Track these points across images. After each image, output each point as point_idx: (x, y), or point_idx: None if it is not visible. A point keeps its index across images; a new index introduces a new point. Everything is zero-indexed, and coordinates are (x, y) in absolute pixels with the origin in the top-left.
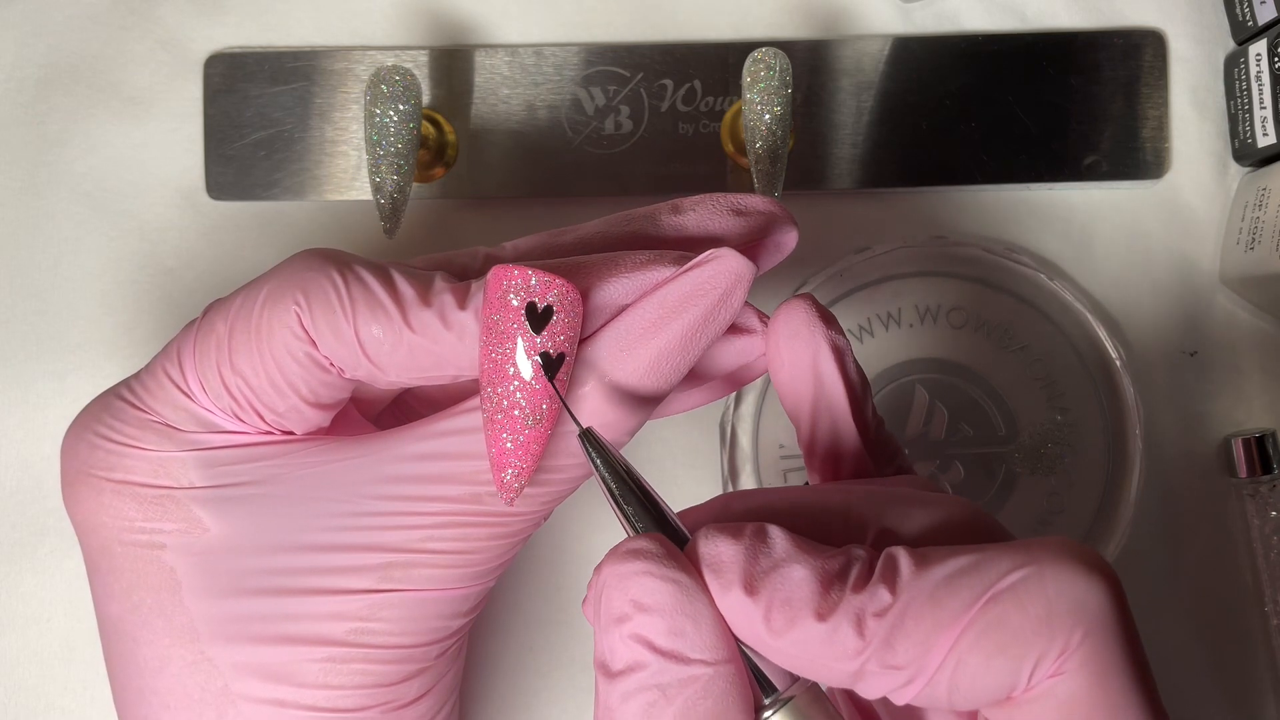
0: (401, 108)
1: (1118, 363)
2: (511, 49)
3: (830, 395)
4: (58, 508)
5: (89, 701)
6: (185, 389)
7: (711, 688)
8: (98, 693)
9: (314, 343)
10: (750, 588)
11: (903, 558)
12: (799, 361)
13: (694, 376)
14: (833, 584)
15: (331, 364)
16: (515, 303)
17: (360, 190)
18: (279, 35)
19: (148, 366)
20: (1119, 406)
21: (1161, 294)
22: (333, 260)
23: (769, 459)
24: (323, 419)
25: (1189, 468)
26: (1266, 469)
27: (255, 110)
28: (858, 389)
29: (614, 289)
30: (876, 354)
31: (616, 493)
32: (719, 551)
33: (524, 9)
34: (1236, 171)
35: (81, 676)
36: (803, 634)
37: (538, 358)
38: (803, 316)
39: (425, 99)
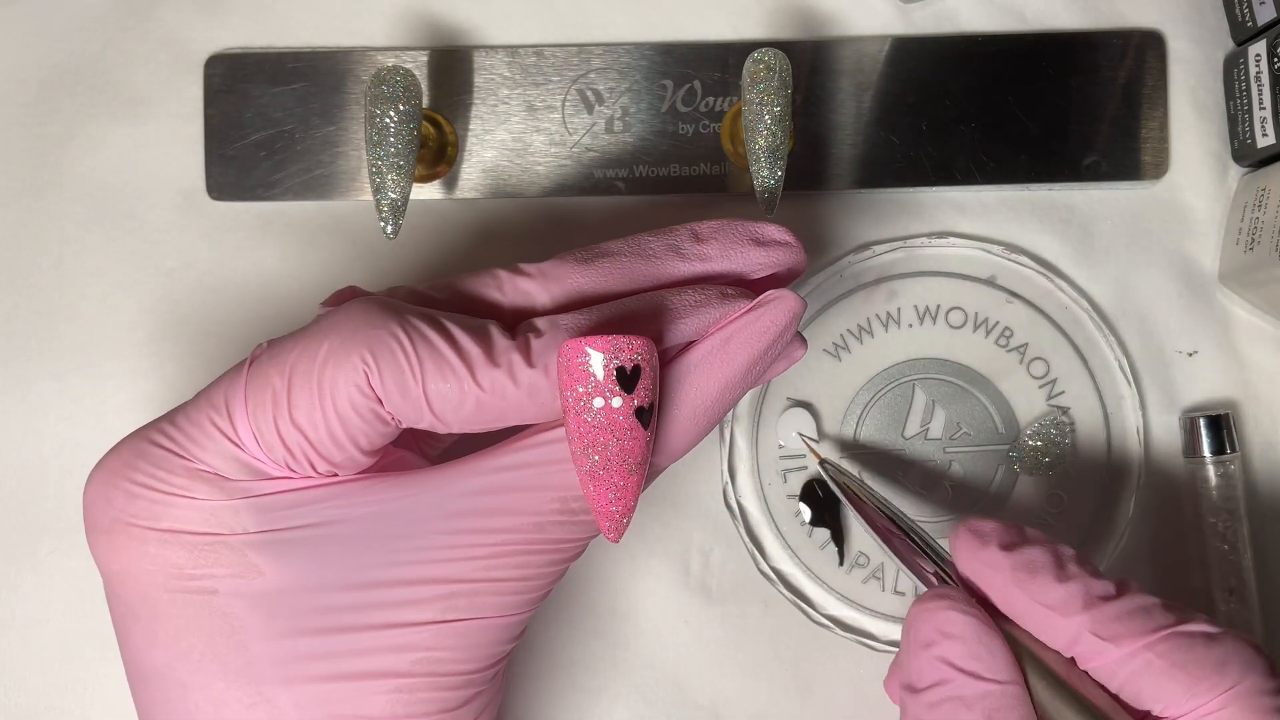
0: (401, 108)
1: (1117, 363)
2: (511, 49)
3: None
4: (58, 508)
5: (89, 702)
6: (236, 440)
7: (1004, 700)
8: (98, 693)
9: (380, 400)
10: (1006, 546)
11: (1137, 590)
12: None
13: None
14: (1068, 564)
15: (393, 417)
16: (600, 373)
17: (360, 191)
18: (279, 36)
19: (187, 414)
20: (1119, 407)
21: (1161, 294)
22: (393, 315)
23: (768, 459)
24: (370, 461)
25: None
26: None
27: (255, 111)
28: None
29: (676, 334)
30: (876, 354)
31: (916, 538)
32: (983, 524)
33: (524, 9)
34: (1236, 172)
35: (81, 677)
36: (1042, 587)
37: (634, 416)
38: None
39: (425, 99)
